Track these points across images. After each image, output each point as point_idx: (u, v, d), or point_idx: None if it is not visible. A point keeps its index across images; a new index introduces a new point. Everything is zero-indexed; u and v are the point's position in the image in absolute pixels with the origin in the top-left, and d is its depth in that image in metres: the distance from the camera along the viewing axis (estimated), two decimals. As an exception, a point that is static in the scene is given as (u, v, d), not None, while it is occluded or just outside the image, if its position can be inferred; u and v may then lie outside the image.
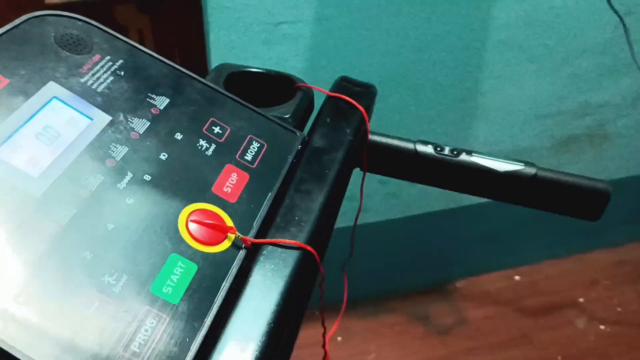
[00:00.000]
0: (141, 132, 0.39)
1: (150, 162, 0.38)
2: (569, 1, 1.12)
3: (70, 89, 0.38)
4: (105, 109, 0.39)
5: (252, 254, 0.37)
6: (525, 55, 1.19)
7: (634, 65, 1.22)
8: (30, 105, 0.36)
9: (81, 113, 0.38)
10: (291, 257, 0.37)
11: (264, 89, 0.53)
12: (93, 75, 0.40)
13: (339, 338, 1.40)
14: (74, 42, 0.41)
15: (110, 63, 0.41)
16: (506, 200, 0.57)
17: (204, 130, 0.42)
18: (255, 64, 0.56)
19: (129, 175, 0.37)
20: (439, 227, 1.46)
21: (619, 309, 1.51)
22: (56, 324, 0.29)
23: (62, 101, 0.38)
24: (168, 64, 0.44)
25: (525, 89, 1.25)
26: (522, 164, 0.55)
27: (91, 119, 0.38)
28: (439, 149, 0.55)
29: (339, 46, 1.04)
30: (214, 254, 0.36)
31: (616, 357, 1.41)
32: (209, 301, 0.34)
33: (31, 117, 0.36)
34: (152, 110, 0.41)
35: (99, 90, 0.40)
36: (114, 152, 0.37)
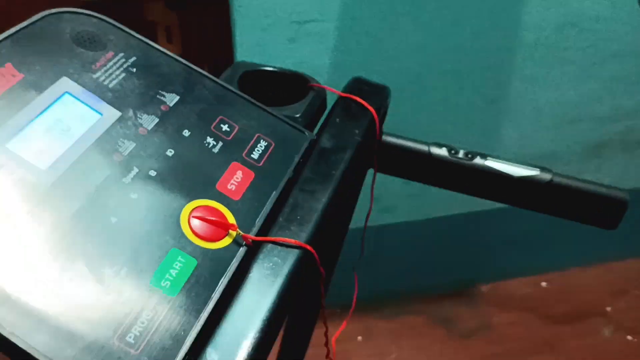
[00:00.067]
0: (149, 128, 0.40)
1: (157, 158, 0.39)
2: (600, 4, 1.10)
3: (82, 84, 0.40)
4: (115, 104, 0.40)
5: (253, 252, 0.38)
6: (556, 58, 1.17)
7: (670, 71, 1.19)
8: (43, 99, 0.37)
9: (92, 108, 0.39)
10: (290, 255, 0.37)
11: (278, 88, 0.54)
12: (105, 71, 0.41)
13: (359, 337, 1.40)
14: (88, 39, 0.42)
15: (123, 60, 0.42)
16: (520, 205, 0.57)
17: (212, 127, 0.43)
18: (280, 62, 0.57)
19: (135, 170, 0.38)
20: (465, 230, 1.45)
21: (647, 320, 1.48)
22: (54, 312, 0.30)
23: (74, 96, 0.39)
24: (180, 62, 0.45)
25: (556, 93, 1.23)
26: (538, 170, 0.54)
27: (101, 114, 0.39)
28: (453, 151, 0.55)
29: (364, 46, 1.04)
30: (214, 250, 0.37)
31: (643, 370, 1.38)
32: (206, 296, 0.35)
33: (43, 112, 0.37)
34: (161, 107, 0.41)
35: (110, 86, 0.41)
36: (121, 147, 0.38)
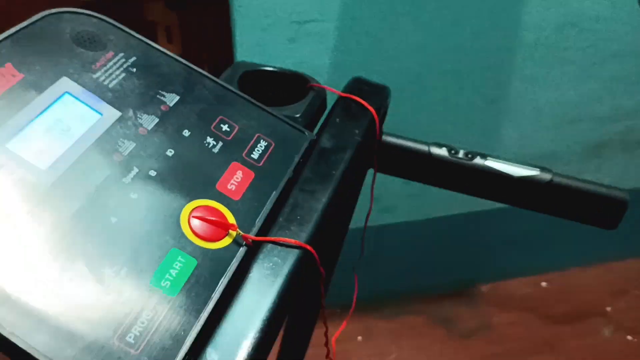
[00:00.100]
0: (149, 128, 0.40)
1: (157, 158, 0.39)
2: (600, 4, 1.10)
3: (82, 84, 0.40)
4: (115, 104, 0.40)
5: (253, 252, 0.38)
6: (556, 58, 1.17)
7: (670, 71, 1.19)
8: (43, 99, 0.37)
9: (91, 108, 0.39)
10: (290, 255, 0.38)
11: (278, 88, 0.54)
12: (105, 71, 0.41)
13: (360, 337, 1.40)
14: (88, 39, 0.42)
15: (123, 60, 0.43)
16: (520, 205, 0.57)
17: (212, 127, 0.43)
18: (280, 62, 0.57)
19: (135, 170, 0.38)
20: (465, 230, 1.45)
21: (648, 320, 1.48)
22: (54, 312, 0.30)
23: (74, 96, 0.39)
24: (180, 62, 0.45)
25: (556, 93, 1.23)
26: (538, 170, 0.54)
27: (101, 114, 0.39)
28: (453, 151, 0.55)
29: (364, 46, 1.04)
30: (214, 250, 0.37)
31: (643, 370, 1.38)
32: (206, 296, 0.35)
33: (43, 112, 0.37)
34: (161, 107, 0.41)
35: (110, 86, 0.41)
36: (121, 147, 0.38)
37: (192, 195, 0.38)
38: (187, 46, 0.99)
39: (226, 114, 0.44)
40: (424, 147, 0.55)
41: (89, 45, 0.42)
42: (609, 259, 1.59)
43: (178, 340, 0.32)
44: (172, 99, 0.42)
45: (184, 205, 0.38)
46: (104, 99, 0.40)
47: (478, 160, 0.55)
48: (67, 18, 0.42)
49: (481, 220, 1.43)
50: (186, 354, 0.32)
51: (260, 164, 0.43)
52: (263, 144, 0.44)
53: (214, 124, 0.43)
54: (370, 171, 0.57)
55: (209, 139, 0.42)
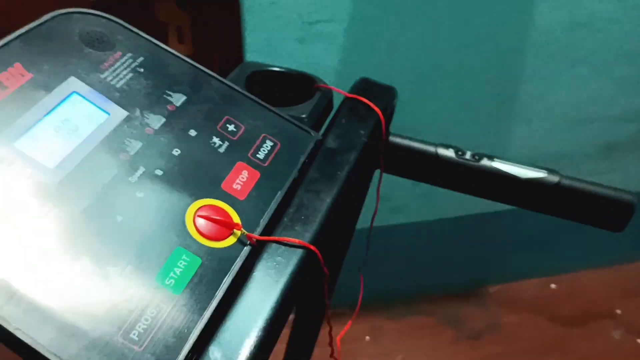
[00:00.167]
0: (156, 128, 0.40)
1: (163, 158, 0.39)
2: (612, 5, 1.09)
3: (90, 84, 0.40)
4: (122, 104, 0.40)
5: (257, 251, 0.38)
6: (568, 58, 1.16)
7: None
8: (51, 99, 0.38)
9: (99, 108, 0.39)
10: (294, 255, 0.38)
11: (285, 88, 0.54)
12: (113, 71, 0.42)
13: (367, 337, 1.40)
14: (97, 39, 0.43)
15: (131, 60, 0.43)
16: (527, 207, 0.57)
17: (218, 127, 0.43)
18: (290, 63, 0.57)
19: (141, 169, 0.38)
20: (474, 231, 1.45)
21: (658, 323, 1.47)
22: (60, 308, 0.31)
23: (82, 96, 0.39)
24: (187, 62, 0.46)
25: (568, 93, 1.22)
26: (545, 172, 0.54)
27: (108, 114, 0.39)
28: (460, 152, 0.55)
29: (375, 46, 1.04)
30: (218, 249, 0.37)
31: (652, 373, 1.37)
32: (210, 295, 0.35)
33: (51, 111, 0.38)
34: (168, 106, 0.42)
35: (117, 86, 0.41)
36: (128, 146, 0.39)
37: (197, 195, 0.39)
38: (198, 46, 1.00)
39: (232, 114, 0.44)
40: (431, 148, 0.55)
41: (98, 45, 0.42)
42: (619, 261, 1.58)
43: (181, 338, 0.33)
44: (178, 99, 0.43)
45: (189, 205, 0.38)
46: (111, 98, 0.40)
47: (485, 162, 0.54)
48: (76, 18, 0.43)
49: (491, 222, 1.42)
50: (189, 352, 0.32)
51: (266, 164, 0.43)
52: (269, 144, 0.44)
53: (220, 124, 0.43)
54: (378, 172, 0.57)
55: (215, 139, 0.42)
